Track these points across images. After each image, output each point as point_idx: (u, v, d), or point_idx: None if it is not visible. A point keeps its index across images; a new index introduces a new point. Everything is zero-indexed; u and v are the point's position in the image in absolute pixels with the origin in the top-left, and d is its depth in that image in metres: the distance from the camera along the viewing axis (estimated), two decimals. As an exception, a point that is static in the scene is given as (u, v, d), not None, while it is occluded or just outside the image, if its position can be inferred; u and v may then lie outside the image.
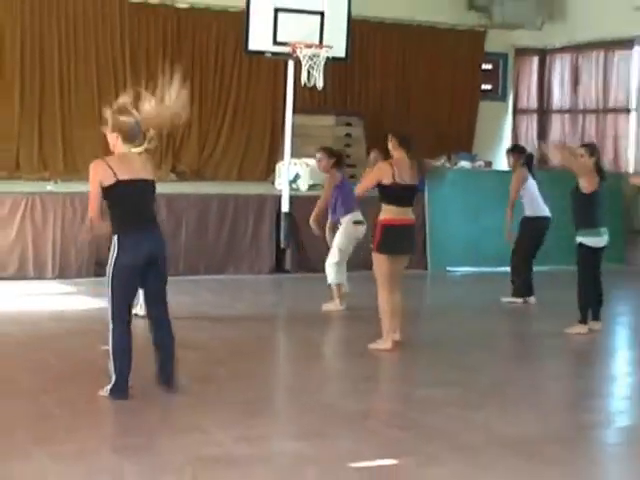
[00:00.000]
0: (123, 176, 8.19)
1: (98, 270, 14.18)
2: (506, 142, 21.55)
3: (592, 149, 12.19)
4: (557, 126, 20.85)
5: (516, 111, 21.76)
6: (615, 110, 19.52)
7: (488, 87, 21.62)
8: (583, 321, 11.71)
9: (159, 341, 8.57)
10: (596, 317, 11.88)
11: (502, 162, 21.21)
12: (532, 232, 13.55)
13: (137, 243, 8.33)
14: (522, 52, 21.39)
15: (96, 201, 8.49)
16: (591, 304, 11.82)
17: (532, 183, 13.82)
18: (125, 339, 8.32)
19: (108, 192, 8.23)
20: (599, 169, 11.89)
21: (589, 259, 11.75)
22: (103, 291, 11.94)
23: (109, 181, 8.16)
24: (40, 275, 14.23)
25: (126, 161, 8.31)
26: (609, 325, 12.16)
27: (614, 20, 18.32)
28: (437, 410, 8.55)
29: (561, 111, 20.76)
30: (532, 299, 13.58)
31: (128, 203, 8.35)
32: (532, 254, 13.68)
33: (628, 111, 19.35)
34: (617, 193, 17.96)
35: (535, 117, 21.36)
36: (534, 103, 21.36)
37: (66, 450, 7.01)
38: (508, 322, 12.71)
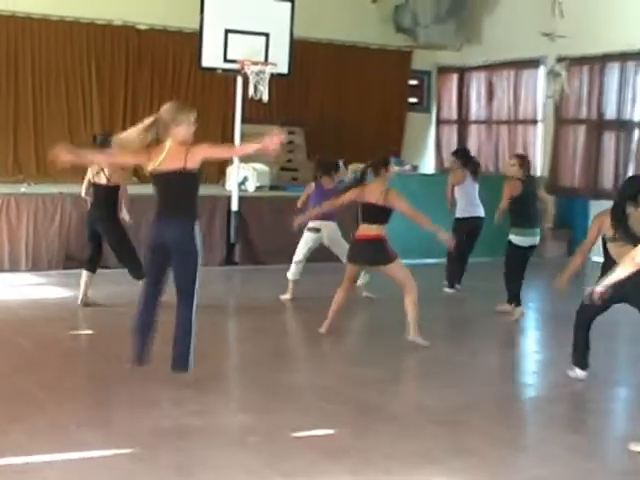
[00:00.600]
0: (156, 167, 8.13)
1: (67, 263, 14.19)
2: (430, 148, 21.70)
3: (522, 159, 12.31)
4: (474, 135, 20.98)
5: (439, 121, 21.87)
6: (524, 121, 19.66)
7: (414, 100, 21.72)
8: (518, 304, 11.86)
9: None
10: (510, 302, 11.97)
11: (427, 166, 21.42)
12: (463, 232, 13.40)
13: (153, 227, 8.31)
14: (444, 70, 21.50)
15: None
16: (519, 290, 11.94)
17: (470, 185, 13.84)
18: (138, 318, 8.36)
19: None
20: (528, 176, 12.09)
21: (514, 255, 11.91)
22: (71, 281, 12.00)
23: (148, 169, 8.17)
24: (15, 268, 14.14)
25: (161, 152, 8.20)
26: (526, 309, 12.20)
27: (523, 43, 18.48)
28: (369, 386, 8.60)
29: (477, 122, 20.88)
30: (457, 286, 13.68)
31: (156, 191, 8.31)
32: (466, 251, 13.63)
33: (535, 122, 19.50)
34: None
35: (455, 127, 21.46)
36: (454, 114, 21.46)
37: (38, 426, 7.00)
38: (437, 308, 12.70)
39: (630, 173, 17.11)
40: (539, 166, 19.18)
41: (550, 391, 8.88)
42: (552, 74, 18.23)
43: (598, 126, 17.91)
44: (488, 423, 7.57)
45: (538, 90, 19.37)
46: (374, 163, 10.71)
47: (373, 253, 10.52)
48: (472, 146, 20.71)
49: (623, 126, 17.59)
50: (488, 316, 12.06)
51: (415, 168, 20.31)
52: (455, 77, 21.36)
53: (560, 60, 17.73)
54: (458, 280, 13.71)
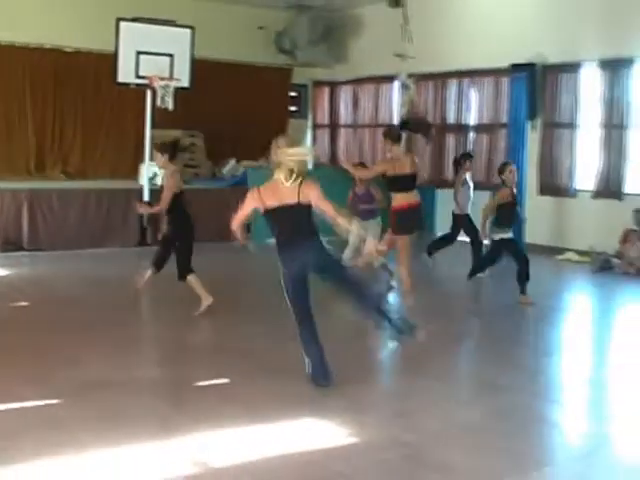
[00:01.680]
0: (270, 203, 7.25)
1: (5, 247, 14.03)
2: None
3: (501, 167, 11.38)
4: (343, 137, 21.07)
5: (314, 126, 21.90)
6: (383, 125, 19.59)
7: (294, 109, 21.72)
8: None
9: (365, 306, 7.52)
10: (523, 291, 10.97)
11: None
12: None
13: (290, 256, 7.24)
14: (318, 84, 21.52)
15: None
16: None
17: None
18: (308, 332, 7.25)
19: (265, 215, 7.35)
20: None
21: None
22: (9, 262, 11.80)
23: (261, 207, 7.32)
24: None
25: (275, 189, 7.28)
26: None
27: (381, 62, 18.62)
28: (256, 341, 8.68)
29: (346, 126, 20.97)
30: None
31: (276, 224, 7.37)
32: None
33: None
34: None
35: (328, 130, 21.52)
36: (327, 120, 21.49)
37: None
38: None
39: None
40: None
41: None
42: (403, 87, 18.44)
43: (441, 129, 18.15)
44: (356, 369, 7.67)
45: (393, 100, 19.54)
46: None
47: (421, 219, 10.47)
48: (341, 146, 20.92)
49: (461, 129, 17.89)
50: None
51: (295, 164, 20.39)
52: (327, 90, 21.39)
53: (410, 76, 17.92)
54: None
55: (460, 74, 17.64)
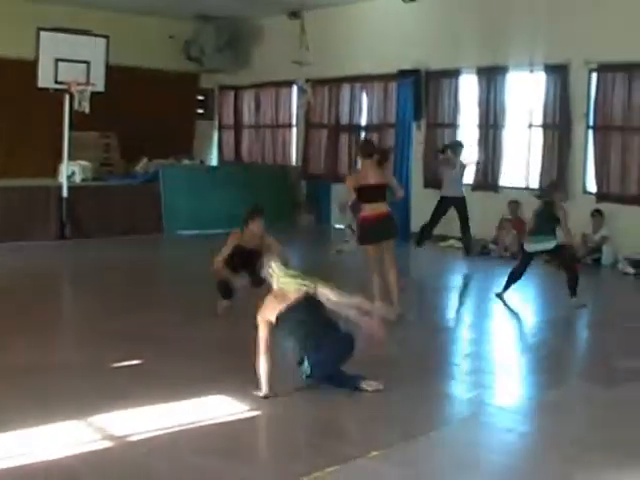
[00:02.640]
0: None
1: None
2: (214, 147, 21.64)
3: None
4: (247, 136, 20.95)
5: (220, 127, 21.76)
6: (283, 126, 19.82)
7: (202, 111, 21.56)
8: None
9: None
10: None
11: (212, 160, 21.38)
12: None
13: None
14: (224, 88, 21.32)
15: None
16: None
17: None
18: None
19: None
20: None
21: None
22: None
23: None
24: None
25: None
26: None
27: (281, 68, 18.57)
28: (168, 326, 8.61)
29: (249, 127, 20.88)
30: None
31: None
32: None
33: (291, 126, 19.66)
34: (284, 178, 18.54)
35: (232, 131, 21.40)
36: (231, 121, 21.36)
37: None
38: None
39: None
40: (294, 159, 19.47)
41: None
42: (301, 91, 18.50)
43: (336, 129, 18.26)
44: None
45: (292, 103, 19.53)
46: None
47: (394, 226, 9.66)
48: (245, 145, 20.84)
49: (353, 129, 18.00)
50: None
51: (203, 162, 20.37)
52: (232, 93, 21.20)
53: (307, 81, 17.97)
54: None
55: (352, 79, 17.72)
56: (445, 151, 14.05)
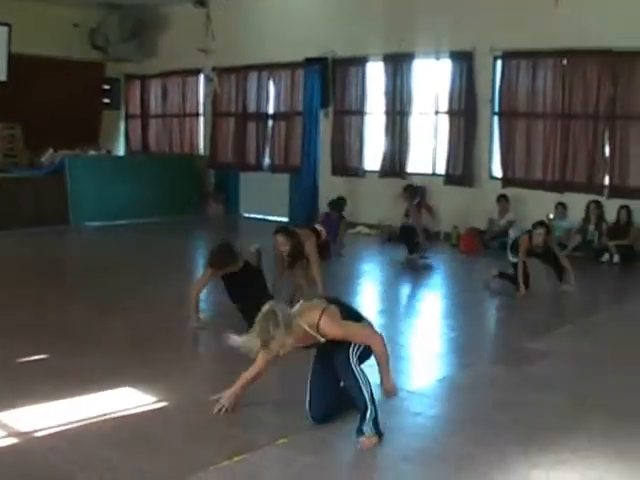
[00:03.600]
0: None
1: None
2: (121, 137, 21.33)
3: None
4: (154, 126, 20.67)
5: (127, 116, 21.42)
6: (190, 115, 19.63)
7: (108, 101, 21.17)
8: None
9: None
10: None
11: (119, 150, 21.07)
12: None
13: None
14: (130, 77, 20.99)
15: None
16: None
17: None
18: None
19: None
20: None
21: None
22: None
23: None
24: None
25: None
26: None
27: (188, 57, 18.31)
28: (81, 319, 8.44)
29: (156, 116, 20.61)
30: None
31: None
32: None
33: (198, 115, 19.47)
34: (192, 167, 18.36)
35: (139, 120, 21.10)
36: (138, 111, 21.05)
37: None
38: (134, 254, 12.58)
39: (268, 151, 17.60)
40: (202, 148, 19.31)
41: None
42: (207, 80, 18.34)
43: (243, 117, 18.15)
44: (167, 342, 7.61)
45: (200, 92, 19.33)
46: None
47: None
48: (152, 134, 20.56)
49: (261, 117, 17.90)
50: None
51: (109, 152, 20.03)
52: (138, 83, 20.89)
53: (214, 69, 17.81)
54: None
55: (259, 67, 17.62)
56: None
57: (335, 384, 5.45)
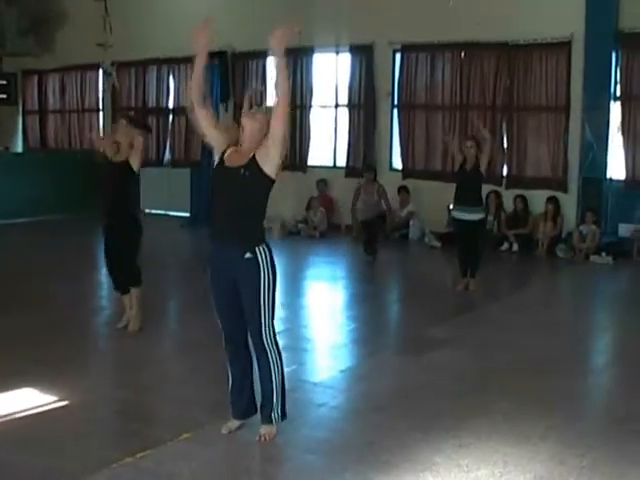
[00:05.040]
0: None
1: None
2: (19, 133, 20.83)
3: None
4: (52, 122, 20.19)
5: (25, 112, 20.93)
6: (90, 110, 19.28)
7: (4, 96, 20.55)
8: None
9: None
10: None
11: (17, 147, 20.58)
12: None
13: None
14: (27, 72, 20.47)
15: None
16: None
17: None
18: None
19: None
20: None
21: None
22: None
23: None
24: None
25: None
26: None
27: (86, 51, 18.01)
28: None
29: (54, 112, 20.20)
30: None
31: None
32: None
33: (98, 110, 19.16)
34: (91, 163, 17.79)
35: (37, 116, 20.64)
36: (36, 106, 20.58)
37: None
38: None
39: (168, 145, 17.41)
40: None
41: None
42: (106, 74, 18.08)
43: (143, 112, 17.90)
44: (66, 341, 7.47)
45: (99, 87, 19.03)
46: None
47: None
48: (50, 130, 20.14)
49: (161, 111, 17.72)
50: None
51: (7, 149, 19.59)
52: (36, 78, 20.43)
53: (112, 64, 17.55)
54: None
55: (159, 61, 17.43)
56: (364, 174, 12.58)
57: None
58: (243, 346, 5.14)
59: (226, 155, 5.02)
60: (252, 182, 4.92)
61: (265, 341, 5.00)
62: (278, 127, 4.92)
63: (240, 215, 4.95)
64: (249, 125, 5.00)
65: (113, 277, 7.88)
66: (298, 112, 15.46)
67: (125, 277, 7.74)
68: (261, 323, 4.96)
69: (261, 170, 4.92)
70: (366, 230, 11.96)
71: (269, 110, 5.03)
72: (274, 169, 4.94)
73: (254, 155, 4.94)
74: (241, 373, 5.18)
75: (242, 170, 4.91)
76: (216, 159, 5.09)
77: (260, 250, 4.94)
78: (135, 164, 7.66)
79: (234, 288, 4.98)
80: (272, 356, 5.04)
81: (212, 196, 5.08)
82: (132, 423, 5.44)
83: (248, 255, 4.91)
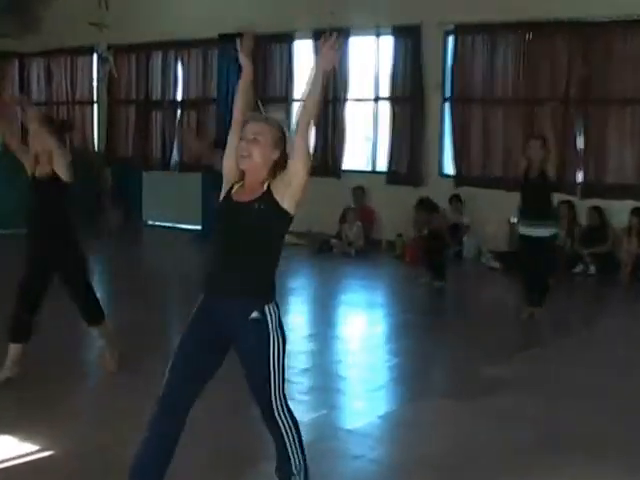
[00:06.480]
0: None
1: None
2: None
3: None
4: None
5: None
6: (81, 102, 19.51)
7: (-21, 84, 20.90)
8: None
9: None
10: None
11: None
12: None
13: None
14: (5, 56, 20.66)
15: None
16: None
17: None
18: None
19: None
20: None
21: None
22: None
23: None
24: None
25: None
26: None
27: (77, 32, 18.18)
28: None
29: (39, 103, 20.29)
30: None
31: None
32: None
33: (91, 103, 19.41)
34: (85, 166, 18.09)
35: (17, 108, 20.77)
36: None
37: None
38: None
39: (176, 146, 17.51)
40: (96, 142, 19.15)
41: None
42: (101, 60, 18.22)
43: (146, 105, 18.07)
44: (47, 377, 7.52)
45: (93, 75, 19.22)
46: None
47: None
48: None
49: (167, 106, 17.85)
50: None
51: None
52: (16, 62, 20.72)
53: (109, 48, 17.70)
54: None
55: (165, 45, 17.59)
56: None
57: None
58: (183, 414, 4.74)
59: (234, 190, 4.81)
60: (268, 219, 4.63)
61: (277, 413, 4.76)
62: (300, 170, 4.59)
63: (250, 262, 4.63)
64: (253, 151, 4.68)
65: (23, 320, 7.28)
66: (330, 107, 15.50)
67: (85, 314, 7.49)
68: (271, 394, 4.70)
69: (278, 204, 4.61)
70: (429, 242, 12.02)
71: (276, 124, 4.74)
72: (294, 203, 4.64)
73: (269, 185, 4.66)
74: (162, 441, 4.76)
75: (256, 205, 4.61)
76: (222, 193, 4.88)
77: (270, 310, 4.61)
78: (62, 172, 7.05)
79: (219, 349, 4.71)
80: (285, 427, 4.81)
81: (215, 237, 4.78)
82: (122, 475, 5.45)
83: (255, 315, 4.56)
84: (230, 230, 4.69)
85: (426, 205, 12.19)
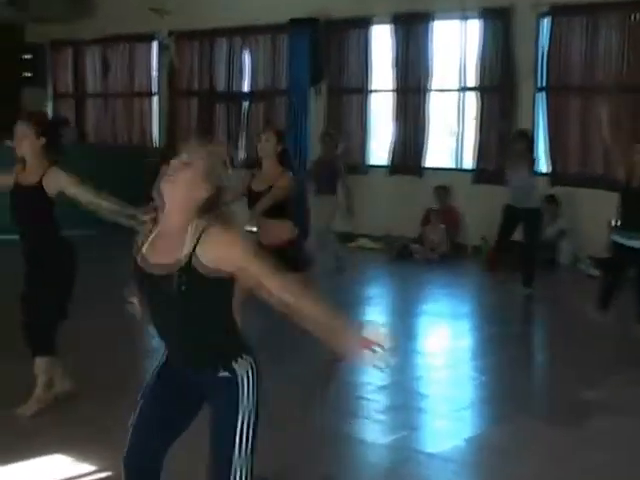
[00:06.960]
0: None
1: None
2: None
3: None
4: (91, 109, 20.71)
5: (56, 96, 21.44)
6: (140, 94, 19.70)
7: (29, 75, 21.05)
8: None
9: None
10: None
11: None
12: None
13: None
14: (58, 44, 20.94)
15: None
16: None
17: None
18: None
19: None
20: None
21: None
22: None
23: None
24: None
25: None
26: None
27: (136, 18, 18.43)
28: None
29: (94, 95, 20.64)
30: None
31: None
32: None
33: (150, 94, 19.60)
34: (143, 164, 18.30)
35: (73, 101, 21.11)
36: (71, 89, 21.07)
37: None
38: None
39: (243, 142, 17.61)
40: (156, 137, 19.30)
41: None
42: (162, 48, 18.38)
43: (210, 97, 18.20)
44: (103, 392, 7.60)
45: (153, 64, 19.45)
46: None
47: None
48: (91, 119, 20.56)
49: (233, 98, 17.98)
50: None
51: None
52: (70, 51, 21.00)
53: (170, 34, 17.86)
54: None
55: (230, 32, 17.71)
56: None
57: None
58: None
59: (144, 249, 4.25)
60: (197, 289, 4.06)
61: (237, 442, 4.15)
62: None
63: (196, 334, 4.16)
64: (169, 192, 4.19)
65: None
66: (411, 97, 15.50)
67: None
68: (230, 471, 4.12)
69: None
70: (506, 224, 12.00)
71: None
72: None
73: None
74: None
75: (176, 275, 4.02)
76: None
77: (240, 367, 4.15)
78: (51, 186, 6.73)
79: (189, 402, 4.35)
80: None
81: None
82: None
83: (223, 373, 4.16)
84: (157, 306, 4.21)
85: None
